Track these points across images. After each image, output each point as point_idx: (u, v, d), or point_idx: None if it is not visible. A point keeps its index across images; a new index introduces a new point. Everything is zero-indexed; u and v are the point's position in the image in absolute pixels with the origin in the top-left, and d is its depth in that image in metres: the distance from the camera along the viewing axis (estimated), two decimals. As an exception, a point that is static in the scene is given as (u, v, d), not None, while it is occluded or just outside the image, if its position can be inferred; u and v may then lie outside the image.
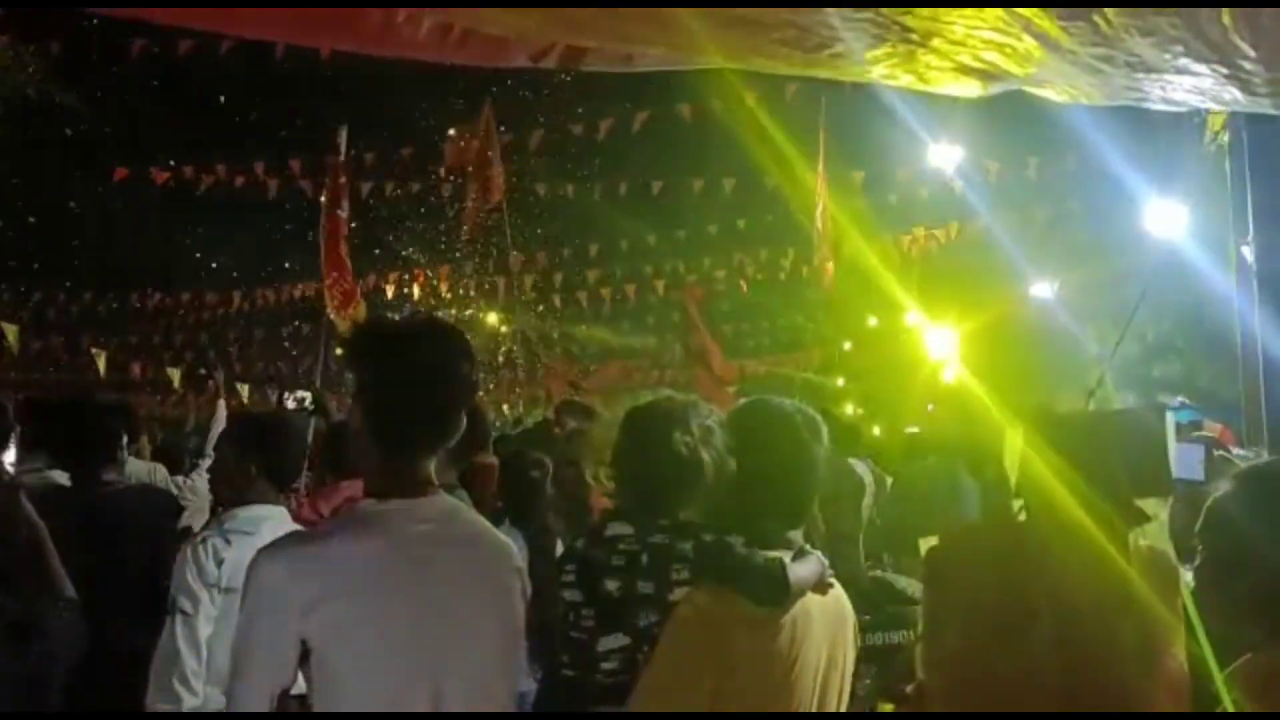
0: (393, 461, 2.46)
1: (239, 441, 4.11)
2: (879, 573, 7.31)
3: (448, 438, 2.50)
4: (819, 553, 2.86)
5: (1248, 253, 4.86)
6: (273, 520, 3.88)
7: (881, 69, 3.46)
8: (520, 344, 17.09)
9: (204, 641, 3.68)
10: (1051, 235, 16.67)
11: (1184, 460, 3.42)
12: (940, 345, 15.07)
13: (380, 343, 2.52)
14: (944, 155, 13.91)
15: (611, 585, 2.66)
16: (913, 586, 6.78)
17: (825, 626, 2.79)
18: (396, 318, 2.72)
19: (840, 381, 21.51)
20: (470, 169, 14.25)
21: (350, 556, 2.34)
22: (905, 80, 3.65)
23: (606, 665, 2.63)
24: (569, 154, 16.59)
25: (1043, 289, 18.19)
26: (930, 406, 19.20)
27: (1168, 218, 5.64)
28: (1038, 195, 15.41)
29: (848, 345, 21.56)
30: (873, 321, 20.86)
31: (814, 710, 2.74)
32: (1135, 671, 2.86)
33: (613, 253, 20.52)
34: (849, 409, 20.35)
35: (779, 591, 2.64)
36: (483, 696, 2.46)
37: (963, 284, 18.51)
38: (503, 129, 14.55)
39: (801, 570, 2.71)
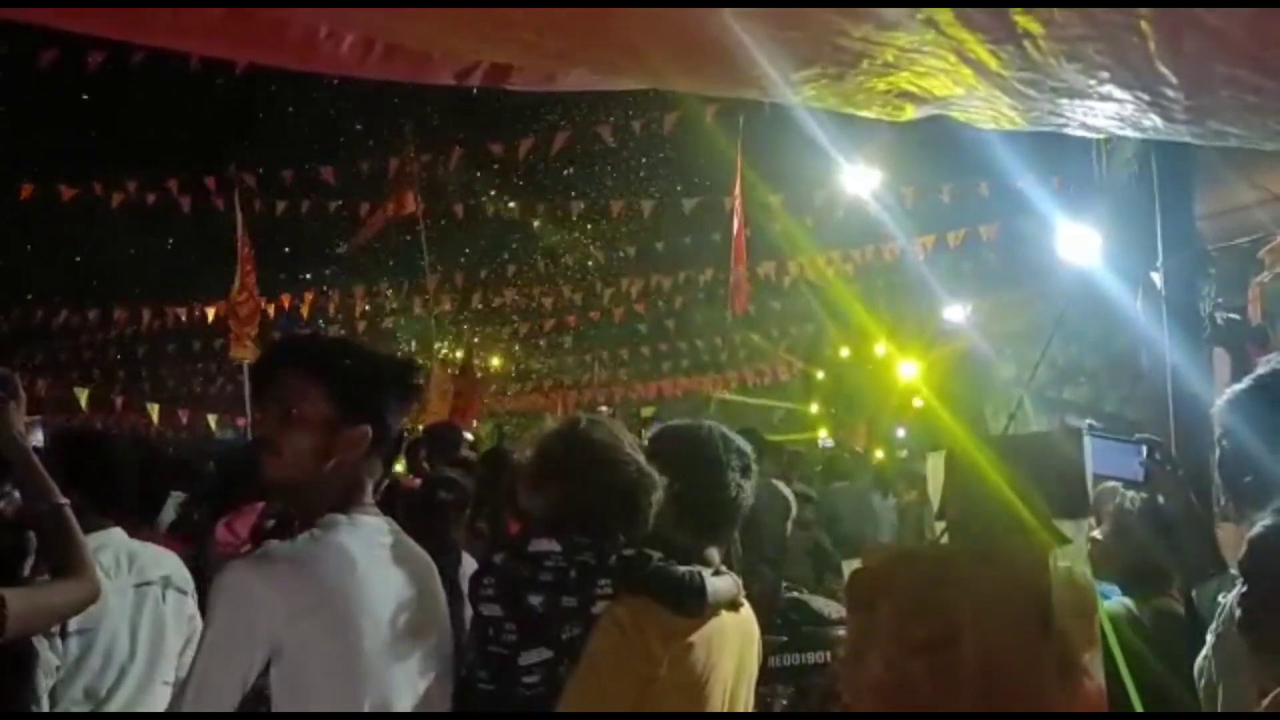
0: (354, 482, 2.53)
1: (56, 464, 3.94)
2: (796, 594, 7.35)
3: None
4: (732, 574, 2.92)
5: (1157, 279, 4.96)
6: (109, 547, 3.70)
7: (809, 90, 3.46)
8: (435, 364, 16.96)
9: (43, 694, 3.47)
10: (965, 259, 16.95)
11: (1122, 461, 3.47)
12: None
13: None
14: (860, 179, 14.13)
15: (535, 600, 2.66)
16: (829, 608, 6.83)
17: (736, 642, 2.86)
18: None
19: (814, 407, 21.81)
20: (388, 185, 14.22)
21: (329, 566, 2.37)
22: (832, 102, 3.66)
23: (528, 679, 2.64)
24: (489, 172, 16.54)
25: (956, 312, 18.51)
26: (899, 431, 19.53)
27: (1079, 243, 5.74)
28: (952, 219, 15.63)
29: (820, 374, 21.83)
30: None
31: None
32: (1055, 693, 2.89)
33: (531, 272, 20.55)
34: (821, 434, 20.67)
35: (697, 601, 2.69)
36: (430, 707, 2.55)
37: (880, 307, 18.84)
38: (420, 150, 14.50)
39: (719, 585, 2.77)
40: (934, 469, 3.38)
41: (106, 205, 14.66)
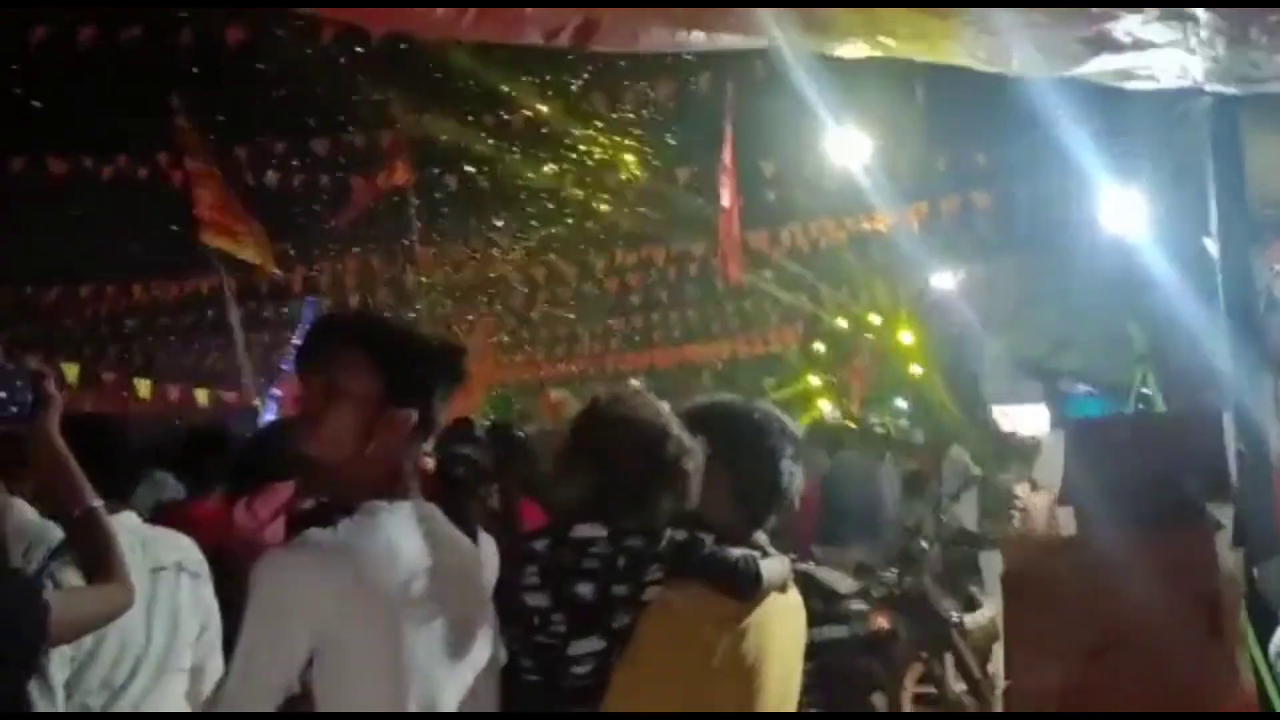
0: (395, 464, 2.43)
1: None
2: (804, 566, 7.34)
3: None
4: (782, 555, 2.87)
5: (1211, 246, 4.85)
6: (121, 532, 3.63)
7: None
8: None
9: (58, 686, 3.36)
10: (957, 227, 16.90)
11: None
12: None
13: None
14: (853, 145, 14.04)
15: (584, 589, 2.61)
16: (843, 583, 6.78)
17: (787, 626, 2.83)
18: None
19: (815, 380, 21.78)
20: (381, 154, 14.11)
21: (373, 552, 2.27)
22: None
23: (578, 670, 2.58)
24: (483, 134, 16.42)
25: (945, 280, 18.49)
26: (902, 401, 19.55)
27: (1125, 208, 5.62)
28: (946, 187, 15.59)
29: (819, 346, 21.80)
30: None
31: (779, 710, 2.74)
32: (1225, 693, 2.81)
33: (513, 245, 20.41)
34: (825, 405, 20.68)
35: (752, 586, 2.64)
36: (477, 701, 2.45)
37: (874, 276, 18.82)
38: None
39: (771, 568, 2.72)
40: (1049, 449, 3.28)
41: (96, 179, 14.55)
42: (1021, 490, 3.90)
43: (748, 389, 18.61)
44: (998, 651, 4.00)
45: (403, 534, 2.33)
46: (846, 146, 14.04)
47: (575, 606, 2.60)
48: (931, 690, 6.27)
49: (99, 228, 18.58)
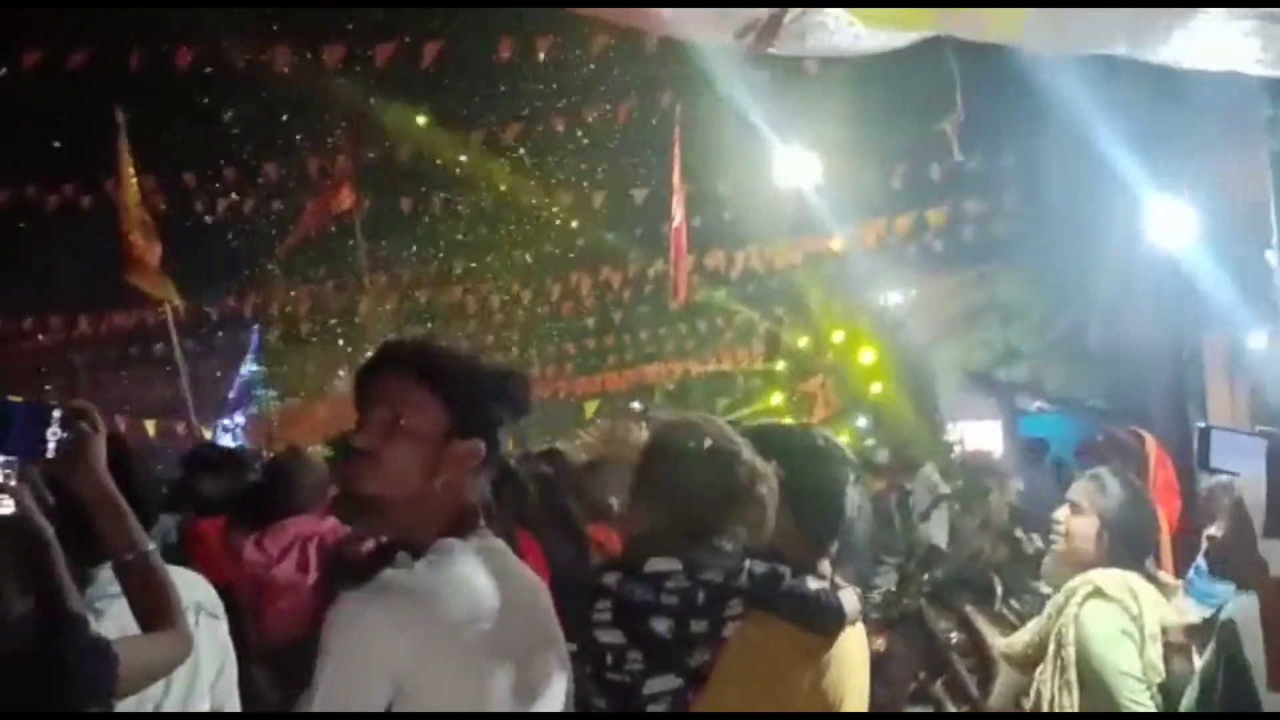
0: (465, 501, 2.28)
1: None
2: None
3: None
4: (853, 587, 2.78)
5: (1272, 259, 4.77)
6: None
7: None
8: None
9: None
10: (909, 244, 17.01)
11: (1244, 455, 3.25)
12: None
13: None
14: (802, 165, 14.13)
15: (660, 625, 2.50)
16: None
17: (858, 658, 2.74)
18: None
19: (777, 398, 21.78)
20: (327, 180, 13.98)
21: (451, 594, 2.14)
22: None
23: (654, 708, 2.49)
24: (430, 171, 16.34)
25: (895, 298, 18.64)
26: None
27: (1171, 222, 5.57)
28: (901, 203, 15.70)
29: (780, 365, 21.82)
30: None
31: None
32: None
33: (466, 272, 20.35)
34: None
35: (834, 620, 2.58)
36: None
37: (831, 294, 18.90)
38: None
39: (849, 600, 2.66)
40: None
41: (39, 209, 14.32)
42: (1061, 515, 3.82)
43: (700, 409, 18.60)
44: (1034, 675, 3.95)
45: (476, 572, 2.20)
46: (798, 167, 14.14)
47: (651, 643, 2.50)
48: (929, 710, 6.22)
49: (40, 259, 18.33)
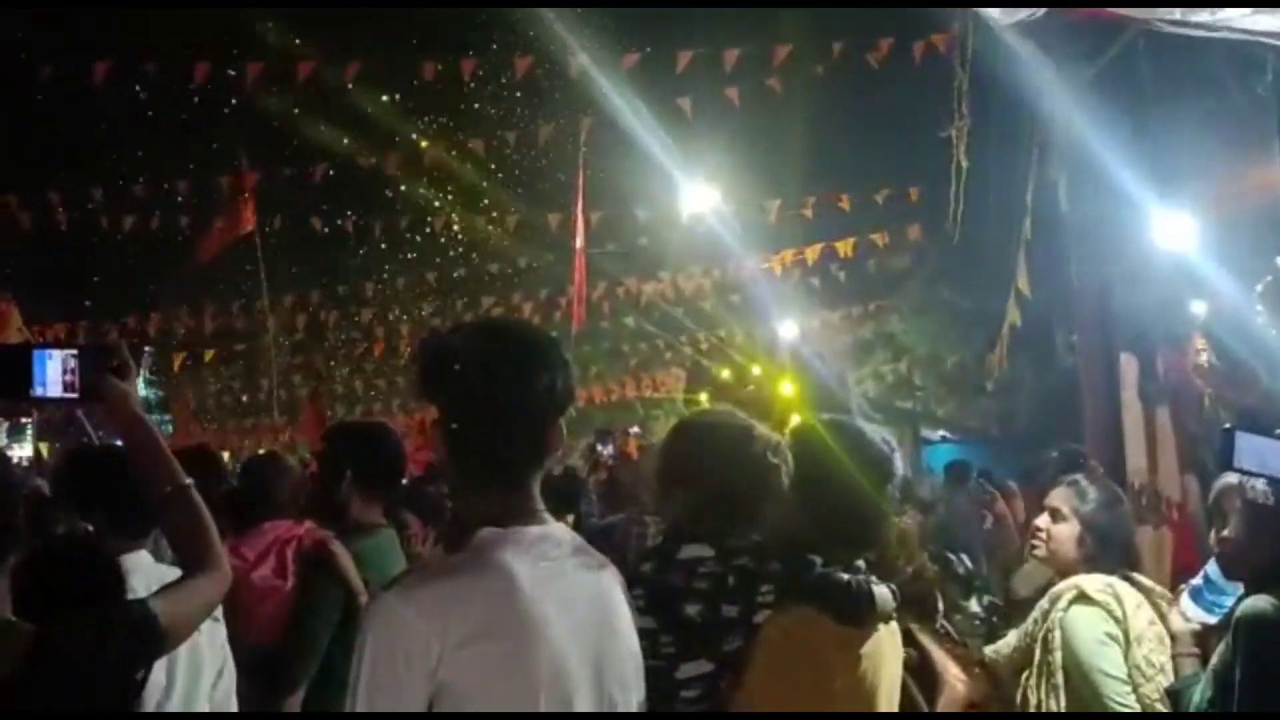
0: (510, 488, 2.20)
1: (73, 485, 3.71)
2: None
3: (549, 454, 2.26)
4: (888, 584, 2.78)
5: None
6: (139, 571, 3.40)
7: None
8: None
9: None
10: (816, 275, 17.32)
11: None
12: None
13: (465, 362, 2.19)
14: (700, 198, 14.41)
15: (692, 610, 2.54)
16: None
17: (895, 655, 2.78)
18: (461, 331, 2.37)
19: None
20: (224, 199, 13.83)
21: (490, 590, 2.07)
22: None
23: (687, 693, 2.51)
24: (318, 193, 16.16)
25: (790, 329, 18.92)
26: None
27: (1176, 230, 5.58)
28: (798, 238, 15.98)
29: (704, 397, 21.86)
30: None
31: None
32: None
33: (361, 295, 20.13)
34: None
35: (867, 610, 2.60)
36: None
37: (741, 326, 19.11)
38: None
39: (881, 594, 2.67)
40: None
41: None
42: (1042, 521, 3.92)
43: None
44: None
45: (526, 563, 2.12)
46: (705, 198, 14.41)
47: (684, 628, 2.52)
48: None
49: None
